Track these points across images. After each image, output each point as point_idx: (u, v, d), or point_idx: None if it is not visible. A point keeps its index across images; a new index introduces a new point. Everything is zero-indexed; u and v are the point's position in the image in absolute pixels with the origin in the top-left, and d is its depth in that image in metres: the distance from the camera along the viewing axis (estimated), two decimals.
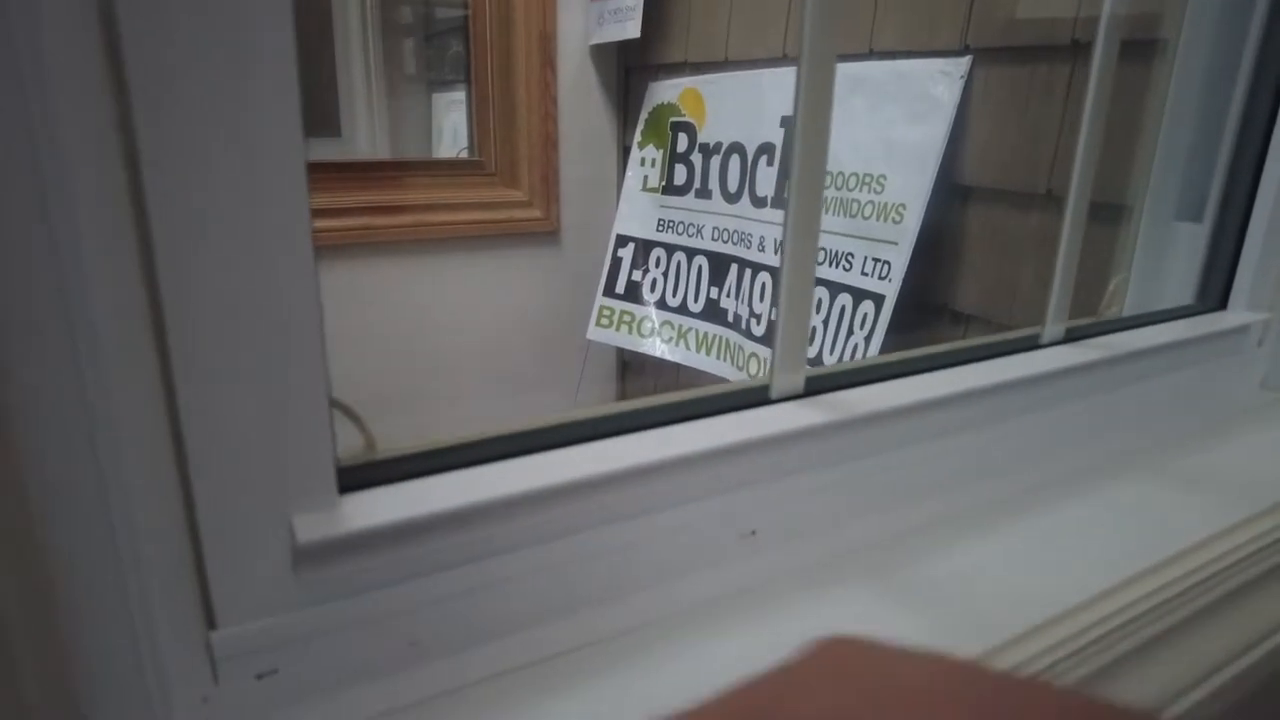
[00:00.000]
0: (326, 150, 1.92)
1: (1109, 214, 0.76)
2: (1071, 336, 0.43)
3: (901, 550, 0.34)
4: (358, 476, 0.26)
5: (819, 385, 0.34)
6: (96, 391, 0.20)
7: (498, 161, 1.67)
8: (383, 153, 1.91)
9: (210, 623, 0.23)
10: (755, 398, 0.33)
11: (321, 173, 1.52)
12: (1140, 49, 0.73)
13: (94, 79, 0.18)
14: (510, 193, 1.68)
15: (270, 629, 0.24)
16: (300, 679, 0.24)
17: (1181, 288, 0.55)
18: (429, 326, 1.63)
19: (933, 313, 1.06)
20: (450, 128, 1.88)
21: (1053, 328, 0.42)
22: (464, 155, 1.71)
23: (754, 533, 0.31)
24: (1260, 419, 0.52)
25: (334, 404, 0.31)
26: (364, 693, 0.25)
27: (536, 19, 1.61)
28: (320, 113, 1.86)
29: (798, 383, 0.33)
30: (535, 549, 0.28)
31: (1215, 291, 0.53)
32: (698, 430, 0.30)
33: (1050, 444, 0.41)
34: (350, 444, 0.33)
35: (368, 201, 1.54)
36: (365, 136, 1.93)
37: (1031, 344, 0.42)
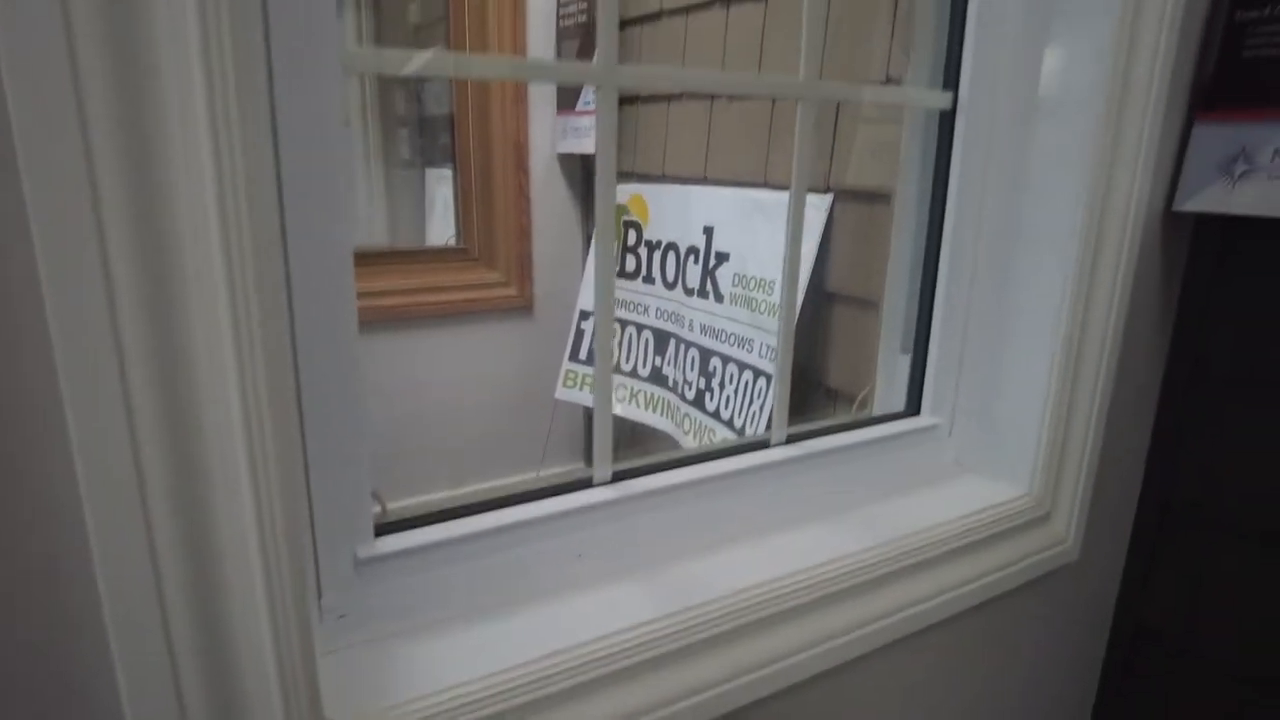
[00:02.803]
0: None
1: (865, 341, 1.08)
2: (791, 439, 0.74)
3: (664, 562, 0.64)
4: (382, 530, 0.55)
5: (622, 474, 0.64)
6: None
7: (479, 248, 1.99)
8: (379, 226, 2.23)
9: (319, 593, 0.52)
10: (582, 485, 0.63)
11: None
12: (878, 200, 1.05)
13: None
14: (489, 274, 1.99)
15: (344, 597, 0.53)
16: (358, 619, 0.54)
17: (903, 397, 0.86)
18: (419, 392, 1.92)
19: (811, 388, 1.36)
20: (441, 199, 2.20)
21: (778, 435, 0.73)
22: (451, 243, 2.03)
23: (580, 556, 0.61)
24: (945, 484, 0.82)
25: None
26: (384, 623, 0.55)
27: (511, 131, 1.93)
28: None
29: (607, 475, 0.64)
30: (465, 563, 0.57)
31: (915, 401, 0.84)
32: (552, 503, 0.60)
33: (776, 505, 0.71)
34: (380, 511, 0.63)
35: (365, 288, 1.84)
36: (364, 211, 2.25)
37: (765, 445, 0.72)
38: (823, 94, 0.65)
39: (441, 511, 0.59)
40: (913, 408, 0.83)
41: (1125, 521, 0.92)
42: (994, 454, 0.82)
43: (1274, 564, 0.82)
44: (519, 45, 1.86)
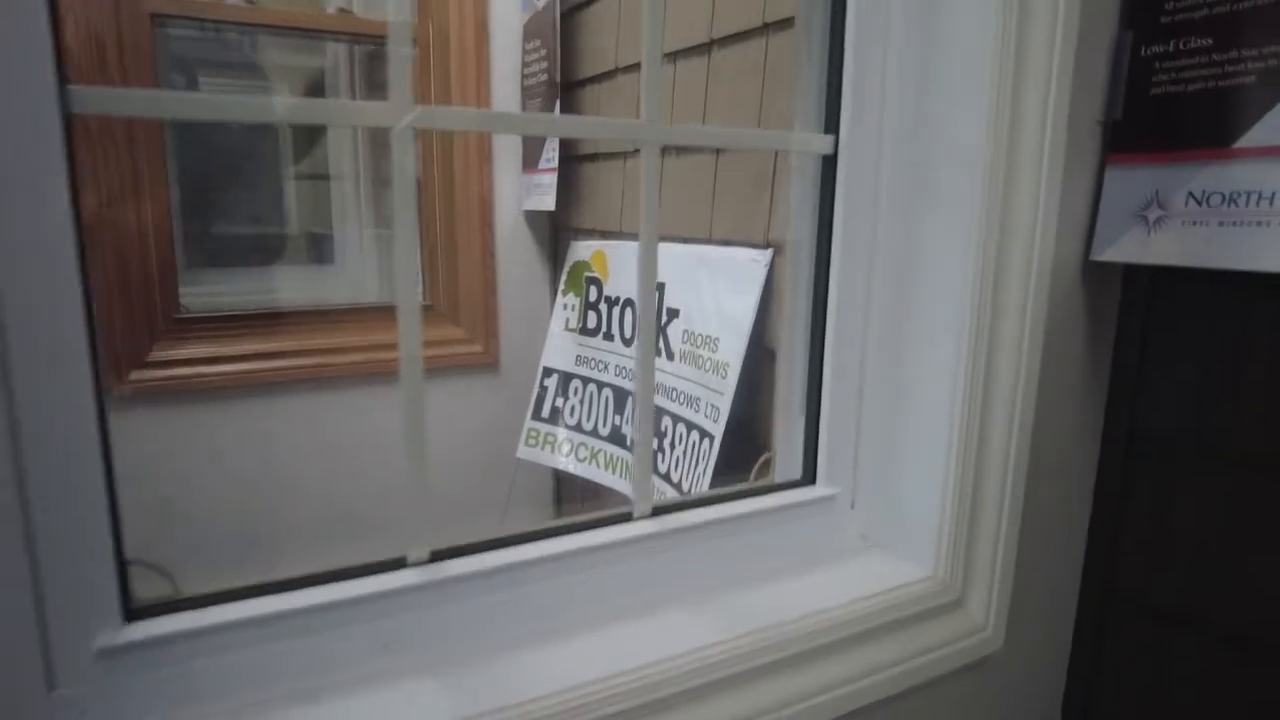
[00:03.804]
0: (322, 277, 2.25)
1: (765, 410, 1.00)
2: (657, 512, 0.66)
3: (485, 655, 0.56)
4: (141, 613, 0.49)
5: (443, 554, 0.58)
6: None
7: (444, 304, 1.96)
8: (371, 284, 2.23)
9: (53, 686, 0.46)
10: (397, 565, 0.56)
11: (287, 320, 1.81)
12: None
13: None
14: (454, 330, 1.96)
15: (85, 690, 0.47)
16: (103, 716, 0.47)
17: (799, 464, 0.78)
18: (381, 449, 1.87)
19: (753, 450, 1.28)
20: None
21: (640, 506, 0.66)
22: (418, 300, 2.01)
23: (387, 646, 0.54)
24: (841, 564, 0.74)
25: (147, 565, 0.55)
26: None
27: (476, 187, 1.93)
28: (317, 247, 2.22)
29: (424, 554, 0.57)
30: (244, 652, 0.51)
31: (811, 468, 0.77)
32: (354, 586, 0.54)
33: (633, 587, 0.64)
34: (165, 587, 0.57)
35: (324, 344, 1.82)
36: (355, 268, 2.25)
37: (626, 518, 0.65)
38: (664, 138, 0.60)
39: (232, 591, 0.53)
40: (809, 476, 0.75)
41: (1065, 609, 0.82)
42: (898, 531, 0.73)
43: (1232, 666, 0.72)
44: (483, 102, 1.86)
